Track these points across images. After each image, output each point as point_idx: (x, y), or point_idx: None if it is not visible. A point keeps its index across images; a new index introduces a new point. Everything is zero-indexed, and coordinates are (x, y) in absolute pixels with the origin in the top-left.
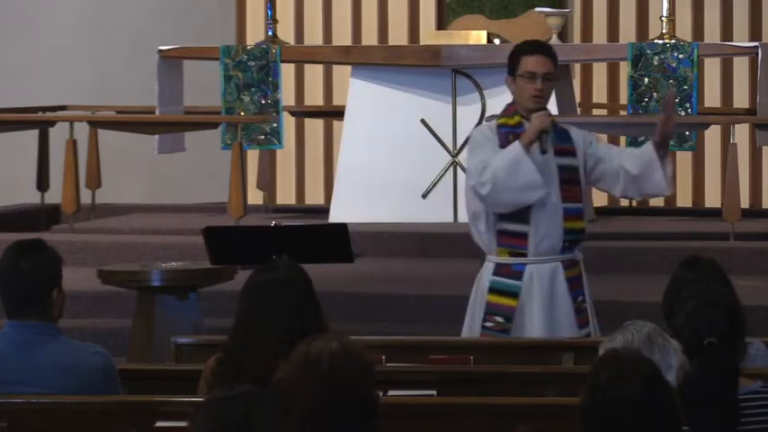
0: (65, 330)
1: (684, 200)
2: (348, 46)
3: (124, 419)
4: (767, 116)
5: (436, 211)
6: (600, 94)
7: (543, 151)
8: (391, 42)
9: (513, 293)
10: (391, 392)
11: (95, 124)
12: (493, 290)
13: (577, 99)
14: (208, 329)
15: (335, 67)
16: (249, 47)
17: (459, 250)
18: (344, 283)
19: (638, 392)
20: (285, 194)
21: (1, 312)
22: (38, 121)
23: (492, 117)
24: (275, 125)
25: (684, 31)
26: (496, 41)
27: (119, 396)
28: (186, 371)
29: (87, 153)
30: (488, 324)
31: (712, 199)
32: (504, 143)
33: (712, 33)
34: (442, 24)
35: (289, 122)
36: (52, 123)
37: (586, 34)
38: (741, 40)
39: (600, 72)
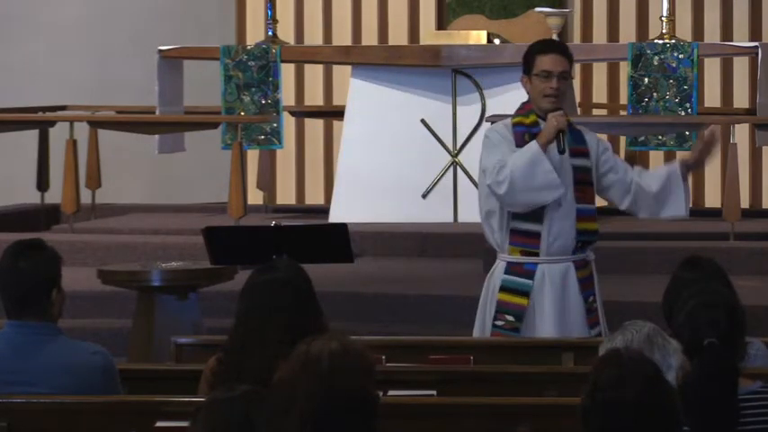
0: (65, 330)
1: None
2: (348, 46)
3: (124, 419)
4: (767, 116)
5: (436, 211)
6: (600, 94)
7: (561, 151)
8: (391, 42)
9: (524, 292)
10: (391, 392)
11: (95, 124)
12: (504, 288)
13: (577, 99)
14: (208, 329)
15: (335, 67)
16: (249, 47)
17: (460, 250)
18: (344, 283)
19: (639, 393)
20: (285, 194)
21: (1, 312)
22: (38, 121)
23: (493, 117)
24: (275, 125)
25: (684, 31)
26: (496, 41)
27: (119, 396)
28: (186, 371)
29: (87, 153)
30: (499, 323)
31: (712, 199)
32: (519, 142)
33: (712, 33)
34: (442, 24)
35: (289, 122)
36: (52, 123)
37: (586, 34)
38: (741, 40)
39: (600, 72)
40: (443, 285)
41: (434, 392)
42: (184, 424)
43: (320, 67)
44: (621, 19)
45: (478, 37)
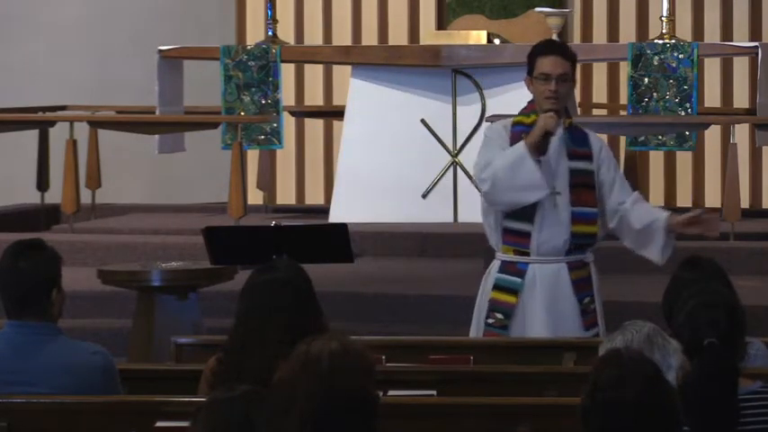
0: (65, 330)
1: (684, 200)
2: (348, 46)
3: (124, 419)
4: (767, 116)
5: (436, 211)
6: (600, 94)
7: (542, 152)
8: (391, 42)
9: (514, 290)
10: (391, 392)
11: (95, 124)
12: (496, 286)
13: (577, 99)
14: (208, 329)
15: (335, 67)
16: (249, 47)
17: (460, 250)
18: (344, 283)
19: (640, 393)
20: (285, 194)
21: (1, 312)
22: (38, 121)
23: (493, 117)
24: (275, 125)
25: (684, 31)
26: (496, 41)
27: (119, 396)
28: (186, 371)
29: (87, 153)
30: (490, 320)
31: (712, 199)
32: (515, 141)
33: (712, 33)
34: (442, 24)
35: (289, 122)
36: (52, 123)
37: (586, 34)
38: (741, 40)
39: (600, 72)
40: (443, 285)
41: (434, 392)
42: (184, 424)
43: (320, 67)
44: (621, 19)
45: (478, 37)
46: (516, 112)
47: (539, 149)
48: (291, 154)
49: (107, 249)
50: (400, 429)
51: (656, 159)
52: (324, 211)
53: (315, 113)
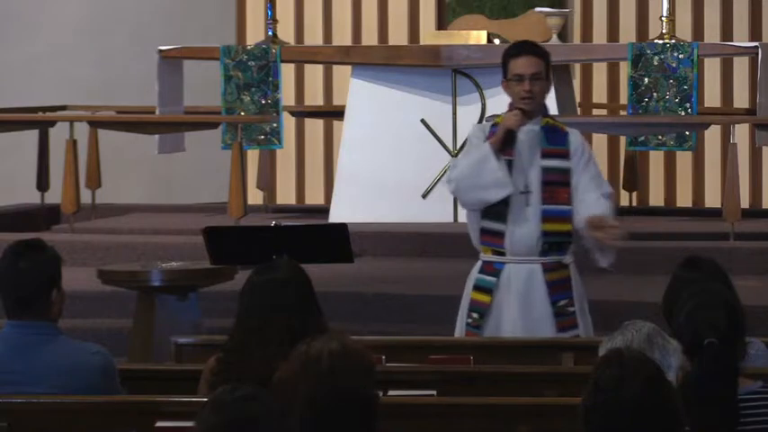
0: (65, 330)
1: (684, 200)
2: (348, 46)
3: (124, 419)
4: (767, 116)
5: (436, 211)
6: (600, 94)
7: (500, 150)
8: (391, 42)
9: (488, 290)
10: (391, 392)
11: (95, 124)
12: (475, 286)
13: (577, 99)
14: (208, 329)
15: (335, 67)
16: (249, 47)
17: (460, 250)
18: (344, 283)
19: (641, 393)
20: (285, 194)
21: (1, 312)
22: (38, 121)
23: (492, 117)
24: (275, 125)
25: (684, 31)
26: (496, 41)
27: (119, 396)
28: (186, 371)
29: (87, 153)
30: (469, 320)
31: (712, 199)
32: None
33: (712, 33)
34: (442, 24)
35: (289, 122)
36: (52, 123)
37: (586, 34)
38: (741, 40)
39: (600, 72)
40: (443, 285)
41: (434, 392)
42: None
43: (320, 67)
44: (621, 19)
45: (478, 37)
46: None
47: (502, 148)
48: (291, 154)
49: (107, 249)
50: (400, 429)
51: (656, 159)
52: (324, 211)
53: (315, 113)
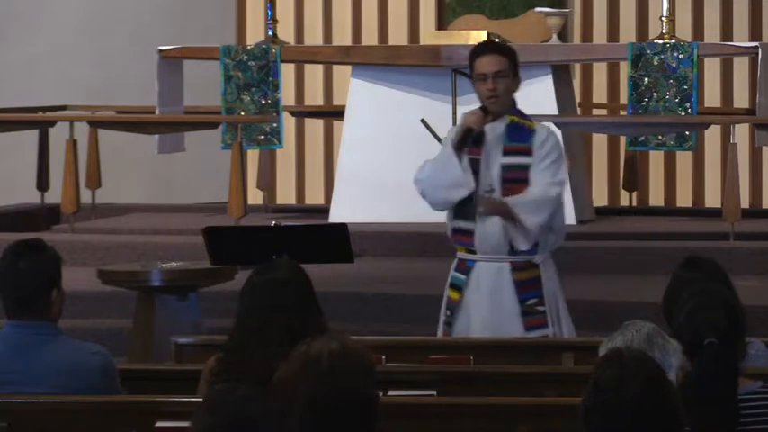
0: (65, 330)
1: (684, 200)
2: (348, 46)
3: (124, 419)
4: (767, 116)
5: (436, 212)
6: (600, 94)
7: (456, 148)
8: (391, 42)
9: (458, 287)
10: (391, 392)
11: (95, 124)
12: (450, 284)
13: (577, 99)
14: (208, 329)
15: (335, 67)
16: (249, 47)
17: None
18: (344, 283)
19: (641, 392)
20: (285, 194)
21: (1, 312)
22: (38, 121)
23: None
24: (275, 125)
25: (684, 31)
26: (496, 41)
27: (119, 396)
28: (186, 371)
29: (87, 153)
30: (443, 318)
31: (712, 199)
32: None
33: (712, 33)
34: (442, 24)
35: (289, 122)
36: (52, 123)
37: (586, 34)
38: (741, 40)
39: (600, 72)
40: (443, 285)
41: (434, 392)
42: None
43: (320, 67)
44: (621, 19)
45: (478, 37)
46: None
47: (461, 146)
48: (291, 154)
49: (107, 249)
50: (400, 429)
51: (656, 159)
52: (324, 211)
53: (315, 113)
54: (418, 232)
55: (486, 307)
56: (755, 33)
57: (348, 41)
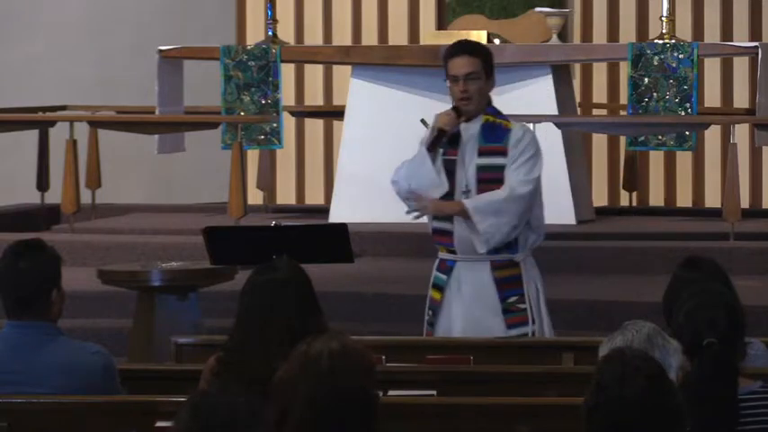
0: (65, 330)
1: (684, 200)
2: (348, 46)
3: (124, 419)
4: (767, 116)
5: None
6: (600, 94)
7: (429, 149)
8: (391, 42)
9: (440, 287)
10: (391, 392)
11: (95, 124)
12: (432, 284)
13: (577, 99)
14: (208, 329)
15: (335, 67)
16: (249, 47)
17: None
18: (344, 283)
19: (643, 391)
20: (285, 194)
21: (1, 312)
22: (38, 121)
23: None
24: (275, 125)
25: (684, 31)
26: (496, 41)
27: (119, 396)
28: (186, 371)
29: (87, 153)
30: (426, 317)
31: (712, 199)
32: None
33: (712, 33)
34: (442, 24)
35: (289, 122)
36: (52, 123)
37: (586, 34)
38: (741, 40)
39: (600, 72)
40: None
41: (434, 392)
42: None
43: (320, 67)
44: (621, 19)
45: (478, 37)
46: (515, 113)
47: (433, 148)
48: (291, 154)
49: (107, 249)
50: (400, 429)
51: (656, 159)
52: (324, 211)
53: (315, 113)
54: (418, 232)
55: (467, 306)
56: (755, 33)
57: (348, 41)
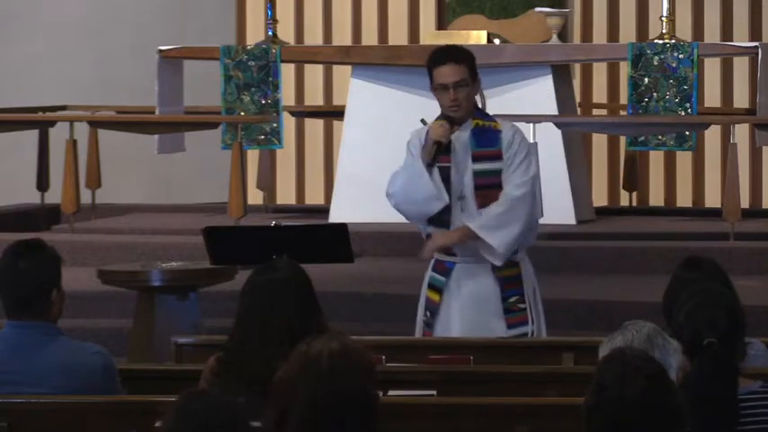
0: (65, 330)
1: (684, 200)
2: (348, 46)
3: (124, 419)
4: (767, 116)
5: None
6: (600, 94)
7: (429, 164)
8: (391, 42)
9: (439, 288)
10: (391, 392)
11: (95, 124)
12: (429, 285)
13: (577, 99)
14: (208, 329)
15: (335, 67)
16: (249, 47)
17: None
18: (344, 283)
19: (644, 392)
20: (285, 194)
21: (1, 312)
22: (38, 121)
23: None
24: (275, 125)
25: (684, 31)
26: (496, 41)
27: (119, 396)
28: (186, 371)
29: (87, 153)
30: (423, 318)
31: (712, 199)
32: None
33: (712, 33)
34: (442, 24)
35: (289, 122)
36: (52, 123)
37: (586, 34)
38: (741, 40)
39: (600, 72)
40: None
41: (434, 392)
42: None
43: (320, 67)
44: (621, 19)
45: (478, 37)
46: (515, 113)
47: (432, 162)
48: (291, 154)
49: (107, 249)
50: (400, 429)
51: (656, 159)
52: (324, 211)
53: (315, 113)
54: (418, 232)
55: (468, 307)
56: (755, 33)
57: (348, 41)
